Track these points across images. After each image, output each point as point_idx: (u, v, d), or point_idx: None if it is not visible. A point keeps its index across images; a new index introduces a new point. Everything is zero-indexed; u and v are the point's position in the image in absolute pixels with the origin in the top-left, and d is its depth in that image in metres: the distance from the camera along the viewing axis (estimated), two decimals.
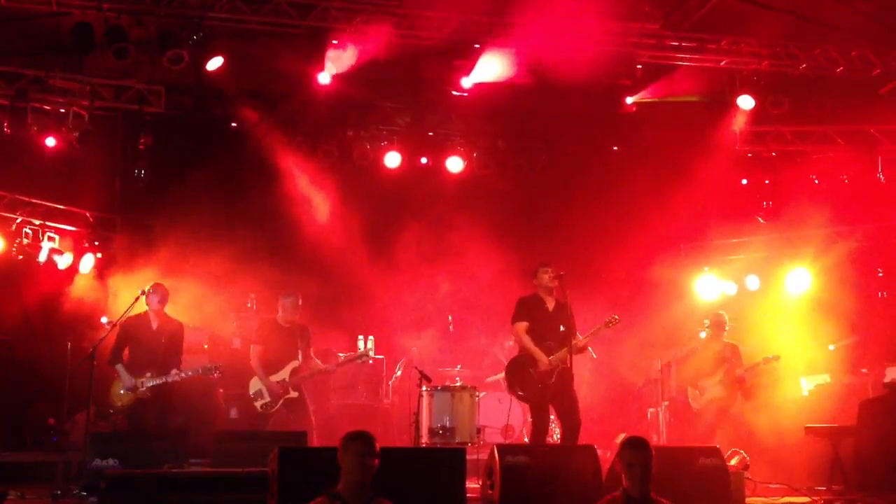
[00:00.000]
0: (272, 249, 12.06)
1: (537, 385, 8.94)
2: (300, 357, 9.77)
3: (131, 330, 9.31)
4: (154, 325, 9.39)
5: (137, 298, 9.28)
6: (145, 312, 9.38)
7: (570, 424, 8.87)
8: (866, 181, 12.25)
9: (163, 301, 9.41)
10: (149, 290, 9.34)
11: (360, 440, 5.16)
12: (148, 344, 9.30)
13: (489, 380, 11.97)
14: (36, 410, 11.33)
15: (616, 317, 9.14)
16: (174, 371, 9.22)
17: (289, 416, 9.63)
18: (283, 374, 9.66)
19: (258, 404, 9.63)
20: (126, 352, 9.33)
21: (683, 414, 10.85)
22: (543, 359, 8.90)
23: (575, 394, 8.86)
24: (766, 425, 10.08)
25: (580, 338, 9.07)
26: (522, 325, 9.14)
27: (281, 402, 9.58)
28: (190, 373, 9.33)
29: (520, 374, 9.10)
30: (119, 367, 9.22)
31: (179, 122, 12.24)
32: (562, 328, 8.90)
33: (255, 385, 9.70)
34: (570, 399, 8.80)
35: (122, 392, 9.18)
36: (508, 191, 13.47)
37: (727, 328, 10.65)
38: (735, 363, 10.34)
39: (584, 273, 11.14)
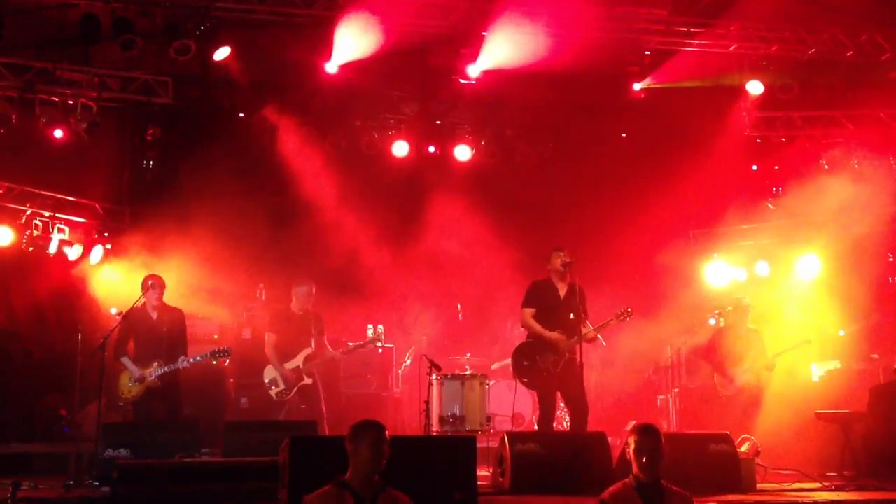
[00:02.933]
0: (281, 239, 12.06)
1: (542, 373, 8.95)
2: (313, 345, 9.83)
3: (132, 323, 9.28)
4: (154, 316, 9.37)
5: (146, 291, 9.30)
6: (144, 304, 9.34)
7: (578, 411, 8.88)
8: (876, 165, 12.16)
9: (160, 293, 9.39)
10: (145, 282, 9.33)
11: (375, 428, 5.17)
12: (150, 335, 9.28)
13: (494, 366, 11.97)
14: (47, 401, 11.38)
15: (629, 309, 9.03)
16: (182, 358, 9.22)
17: (301, 404, 9.70)
18: (297, 361, 9.74)
19: (273, 392, 9.70)
20: (131, 345, 9.34)
21: (712, 401, 10.66)
22: (556, 337, 8.89)
23: (582, 381, 8.77)
24: (777, 411, 10.03)
25: (590, 327, 9.03)
26: (529, 311, 9.17)
27: (295, 389, 9.67)
28: (199, 358, 9.30)
29: (525, 362, 9.11)
30: (125, 359, 9.22)
31: (187, 113, 12.24)
32: (571, 316, 8.88)
33: (269, 373, 9.78)
34: (577, 386, 8.72)
35: (130, 384, 9.18)
36: (516, 179, 13.42)
37: (750, 313, 10.44)
38: (761, 349, 10.18)
39: (593, 260, 11.11)
